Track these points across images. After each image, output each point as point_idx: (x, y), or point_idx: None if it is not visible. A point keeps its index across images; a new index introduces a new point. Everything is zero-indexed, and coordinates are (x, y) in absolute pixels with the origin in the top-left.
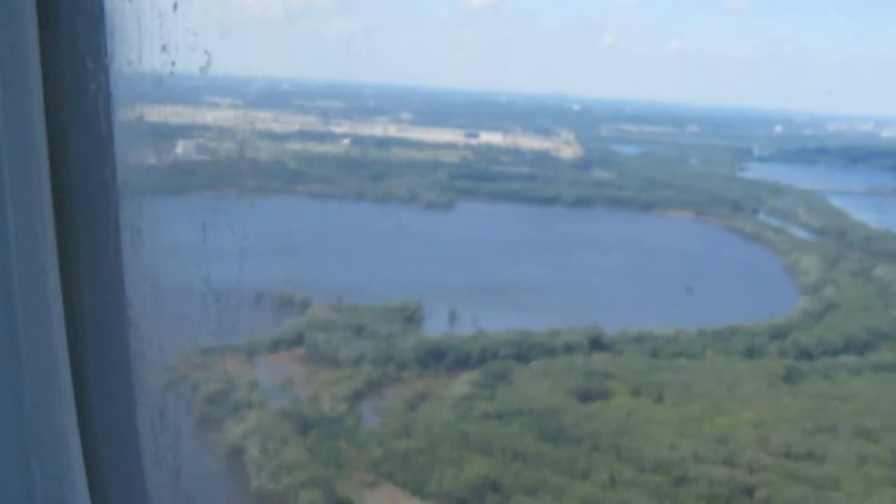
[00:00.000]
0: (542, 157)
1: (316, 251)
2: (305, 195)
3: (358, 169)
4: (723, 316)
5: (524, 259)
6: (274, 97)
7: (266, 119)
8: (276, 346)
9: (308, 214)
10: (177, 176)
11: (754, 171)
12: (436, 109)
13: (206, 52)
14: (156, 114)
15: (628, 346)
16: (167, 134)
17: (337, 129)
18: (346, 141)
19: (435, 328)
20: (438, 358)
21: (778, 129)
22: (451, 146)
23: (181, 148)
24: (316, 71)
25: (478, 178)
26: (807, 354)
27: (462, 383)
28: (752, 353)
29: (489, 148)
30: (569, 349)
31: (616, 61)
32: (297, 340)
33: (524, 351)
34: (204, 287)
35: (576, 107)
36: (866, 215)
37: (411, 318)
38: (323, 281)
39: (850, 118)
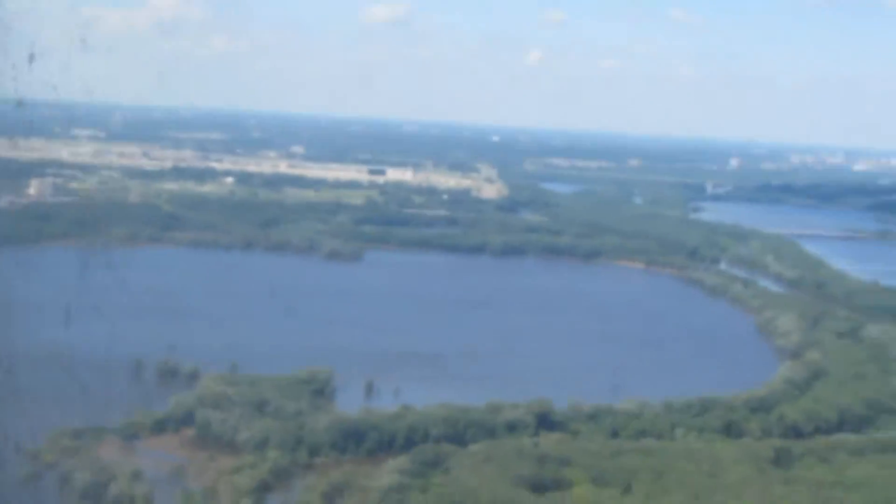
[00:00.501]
0: (461, 198)
1: (202, 312)
2: (185, 244)
3: (246, 213)
4: (692, 386)
5: (450, 320)
6: (143, 127)
7: (134, 154)
8: (161, 426)
9: (189, 267)
10: (29, 222)
11: (710, 212)
12: (332, 142)
13: (63, 74)
14: (2, 148)
15: (583, 424)
16: (17, 172)
17: (218, 166)
18: (230, 179)
19: (350, 403)
20: (358, 440)
21: (734, 161)
22: (353, 185)
23: (35, 188)
24: (191, 97)
25: (387, 223)
26: (795, 432)
27: (389, 472)
28: (730, 430)
29: (398, 187)
30: (513, 428)
31: (541, 85)
32: (187, 420)
33: (460, 431)
34: (70, 356)
35: (495, 138)
36: (847, 264)
37: (321, 390)
38: (212, 347)
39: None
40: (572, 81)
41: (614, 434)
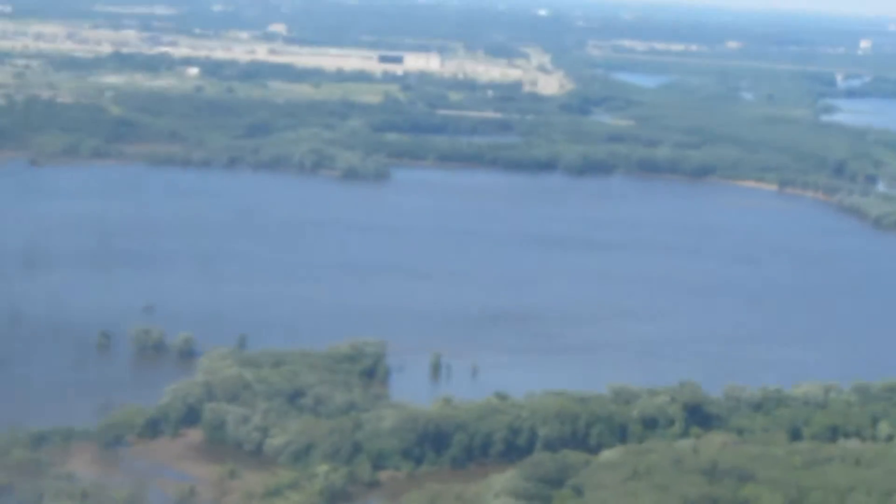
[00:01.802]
0: (512, 94)
1: (180, 259)
2: (143, 160)
3: (222, 116)
4: (884, 363)
5: (529, 267)
6: (61, 0)
7: (57, 35)
8: (154, 427)
9: (152, 194)
10: None
11: (848, 112)
12: (324, 18)
13: None
14: None
15: (750, 418)
16: None
17: (174, 51)
18: (194, 70)
19: (414, 388)
20: (438, 445)
21: (865, 43)
22: (362, 77)
23: None
24: None
25: (417, 129)
26: None
27: (497, 494)
28: None
29: (424, 79)
30: (654, 424)
31: None
32: (190, 417)
33: (581, 430)
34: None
35: (542, 11)
36: None
37: (372, 371)
38: (204, 309)
39: None
40: None
41: (795, 432)
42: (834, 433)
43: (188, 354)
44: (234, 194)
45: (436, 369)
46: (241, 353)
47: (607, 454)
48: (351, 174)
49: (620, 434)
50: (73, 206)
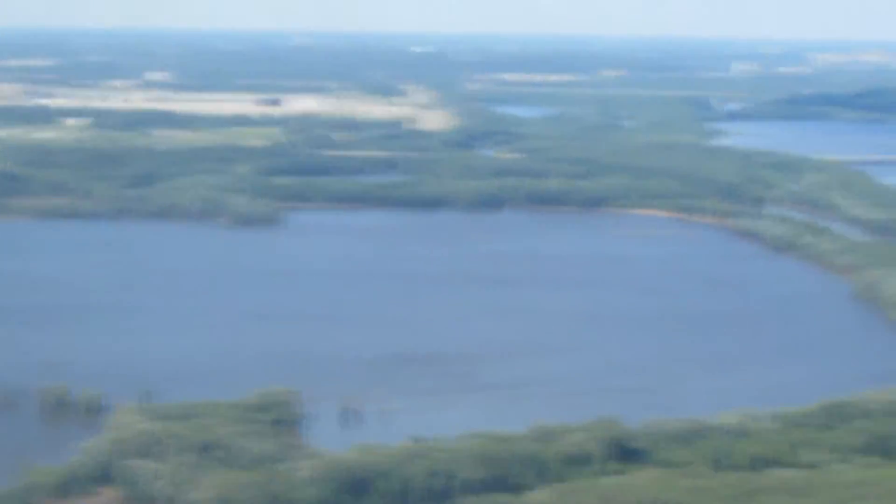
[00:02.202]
0: (395, 132)
1: (77, 312)
2: (32, 214)
3: (108, 167)
4: (795, 386)
5: (431, 305)
6: None
7: None
8: (68, 487)
9: (45, 248)
10: None
11: (732, 136)
12: (201, 64)
13: None
14: None
15: (672, 451)
16: None
17: (51, 103)
18: (73, 121)
19: (328, 436)
20: (358, 493)
21: (738, 67)
22: (244, 121)
23: None
24: None
25: (304, 171)
26: None
27: None
28: (884, 448)
29: (306, 121)
30: (575, 461)
31: None
32: (105, 475)
33: (502, 472)
34: None
35: (416, 48)
36: None
37: (284, 420)
38: (106, 363)
39: (841, 45)
40: None
41: (718, 463)
42: (758, 463)
43: (95, 411)
44: (124, 246)
45: (347, 416)
46: (150, 407)
47: (535, 496)
48: (242, 220)
49: (544, 474)
50: None
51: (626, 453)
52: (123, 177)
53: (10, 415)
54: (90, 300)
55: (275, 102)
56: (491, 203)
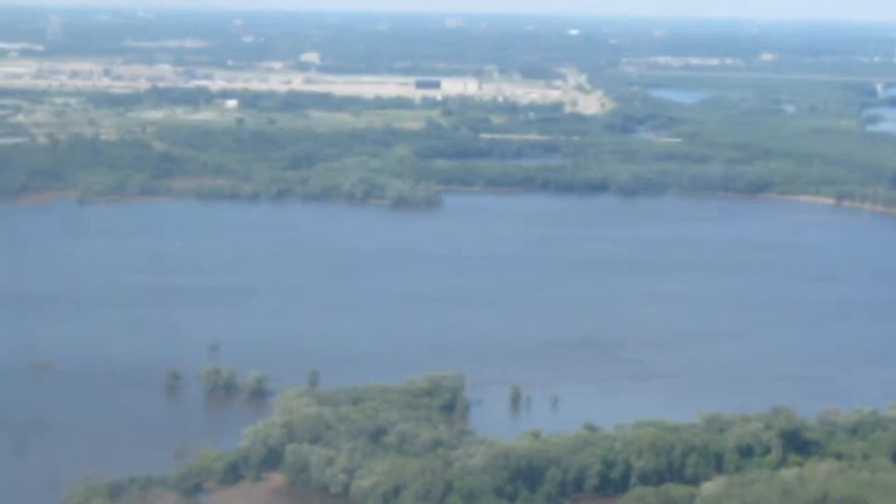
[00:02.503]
0: (554, 116)
1: (239, 294)
2: (192, 196)
3: (266, 148)
4: None
5: (597, 291)
6: (90, 36)
7: (92, 72)
8: (235, 472)
9: (207, 230)
10: None
11: (892, 122)
12: (354, 46)
13: None
14: None
15: (849, 444)
16: None
17: (210, 84)
18: (232, 102)
19: (497, 422)
20: (531, 481)
21: None
22: (402, 104)
23: None
24: None
25: (463, 155)
26: None
27: None
28: None
29: (464, 103)
30: (749, 452)
31: None
32: (271, 460)
33: (676, 461)
34: (73, 365)
35: (573, 31)
36: None
37: (451, 405)
38: (274, 344)
39: None
40: None
41: None
42: None
43: (260, 394)
44: (287, 226)
45: (516, 401)
46: (318, 390)
47: (709, 486)
48: (402, 202)
49: (716, 464)
50: (126, 244)
51: (800, 444)
52: (283, 158)
53: (176, 397)
54: (253, 281)
55: (432, 85)
56: (652, 188)
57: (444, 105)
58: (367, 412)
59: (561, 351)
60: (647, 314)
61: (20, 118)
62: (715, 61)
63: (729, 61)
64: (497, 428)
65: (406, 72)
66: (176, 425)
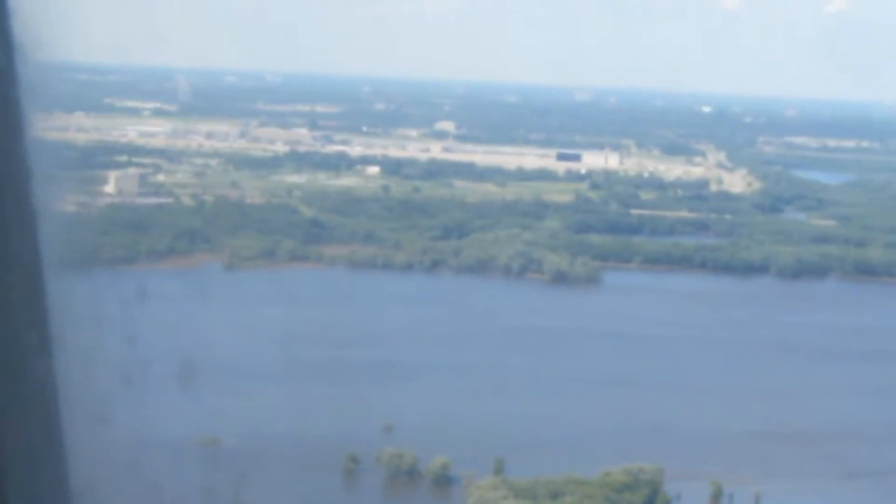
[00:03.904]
0: (700, 193)
1: (417, 368)
2: (342, 263)
3: (414, 217)
4: None
5: (795, 378)
6: (219, 98)
7: (228, 133)
8: None
9: (365, 298)
10: (118, 233)
11: None
12: (485, 116)
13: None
14: (57, 124)
15: None
16: (78, 161)
17: (350, 150)
18: (374, 169)
19: None
20: None
21: None
22: (545, 176)
23: (115, 185)
24: (266, 59)
25: (613, 230)
26: None
27: None
28: None
29: (609, 178)
30: None
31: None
32: None
33: None
34: (246, 440)
35: (705, 108)
36: None
37: (650, 500)
38: (451, 427)
39: None
40: (795, 29)
41: None
42: None
43: (445, 481)
44: (446, 299)
45: (717, 498)
46: (512, 481)
47: None
48: (559, 278)
49: None
50: (284, 313)
51: None
52: (431, 228)
53: (356, 481)
54: (422, 357)
55: (574, 158)
56: (813, 271)
57: (590, 179)
58: None
59: (757, 442)
60: (844, 405)
61: (161, 178)
62: (851, 143)
63: (865, 143)
64: None
65: (542, 143)
66: None
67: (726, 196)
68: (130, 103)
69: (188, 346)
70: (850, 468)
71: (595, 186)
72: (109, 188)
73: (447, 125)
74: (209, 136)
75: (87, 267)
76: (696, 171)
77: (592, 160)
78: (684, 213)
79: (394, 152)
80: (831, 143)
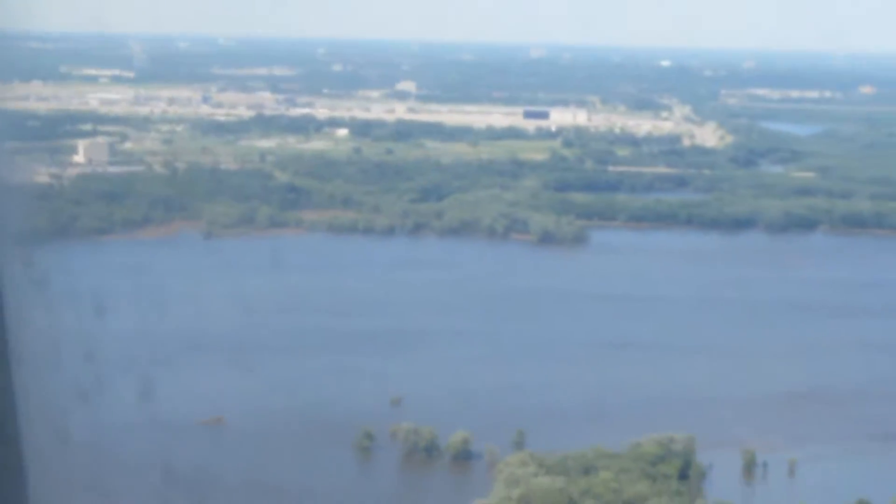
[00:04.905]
0: (675, 148)
1: (413, 336)
2: (323, 229)
3: (389, 179)
4: None
5: (810, 337)
6: (176, 64)
7: (190, 98)
8: None
9: (352, 264)
10: (92, 204)
11: None
12: (444, 76)
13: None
14: (15, 93)
15: None
16: (44, 131)
17: (315, 112)
18: (343, 131)
19: (735, 493)
20: None
21: None
22: (515, 134)
23: (84, 154)
24: (217, 23)
25: (593, 188)
26: None
27: None
28: None
29: (580, 134)
30: None
31: None
32: None
33: None
34: (250, 419)
35: (665, 62)
36: None
37: (684, 471)
38: (460, 398)
39: None
40: None
41: None
42: None
43: (465, 456)
44: (434, 263)
45: (750, 467)
46: (541, 457)
47: None
48: (546, 238)
49: None
50: (270, 281)
51: None
52: (411, 190)
53: (372, 458)
54: (420, 324)
55: (541, 115)
56: (801, 224)
57: (562, 136)
58: (610, 485)
59: (782, 405)
60: (862, 363)
61: (129, 146)
62: (814, 94)
63: (828, 94)
64: (738, 500)
65: (506, 101)
66: (380, 492)
67: (701, 150)
68: (87, 71)
69: (177, 319)
70: (881, 429)
71: (568, 144)
72: (79, 157)
73: (408, 85)
74: (171, 101)
75: (51, 240)
76: (665, 126)
77: (560, 117)
78: (661, 169)
79: (359, 114)
80: (794, 94)
